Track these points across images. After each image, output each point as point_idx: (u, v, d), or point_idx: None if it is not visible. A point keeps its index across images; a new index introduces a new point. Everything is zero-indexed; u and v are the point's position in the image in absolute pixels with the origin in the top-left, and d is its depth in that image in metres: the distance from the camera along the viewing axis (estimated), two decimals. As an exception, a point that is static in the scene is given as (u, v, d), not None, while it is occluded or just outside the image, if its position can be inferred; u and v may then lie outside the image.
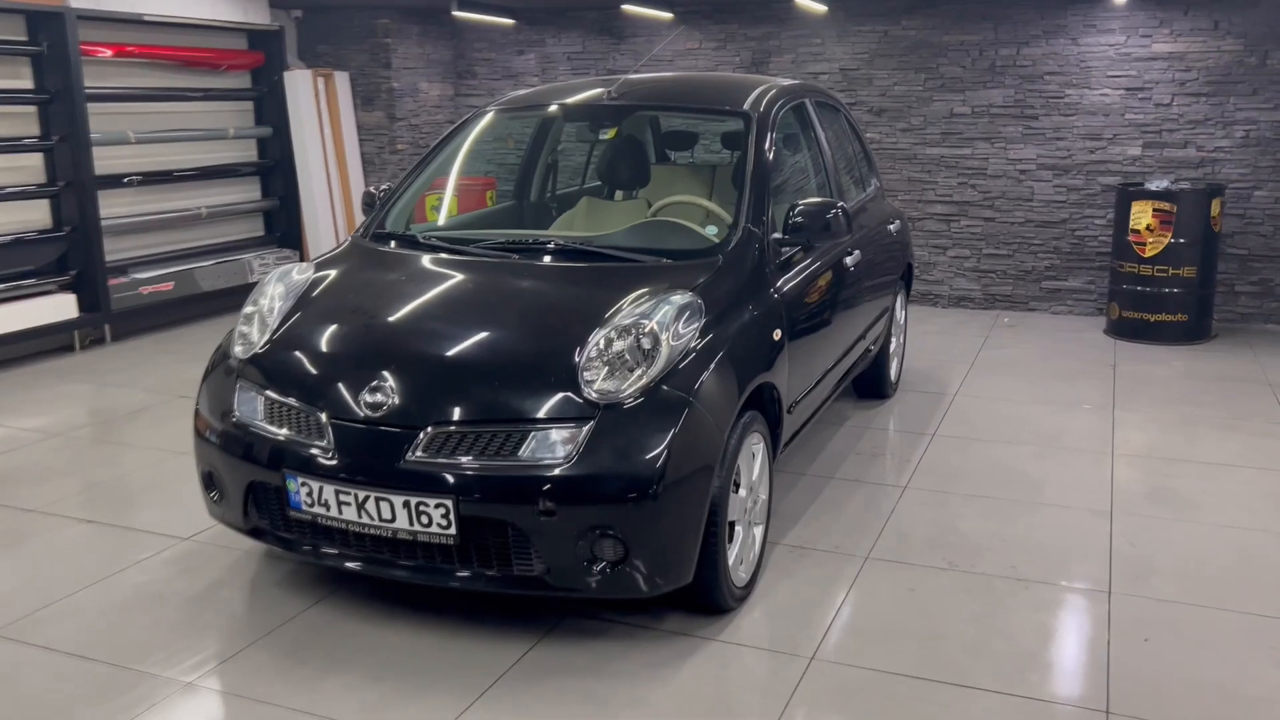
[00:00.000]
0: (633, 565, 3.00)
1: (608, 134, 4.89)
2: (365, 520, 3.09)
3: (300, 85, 8.46)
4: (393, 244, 4.06)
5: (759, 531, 3.61)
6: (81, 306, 6.94)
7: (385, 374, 3.18)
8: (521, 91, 4.97)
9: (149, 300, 7.37)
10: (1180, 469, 4.76)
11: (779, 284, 3.80)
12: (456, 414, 3.07)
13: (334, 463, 3.11)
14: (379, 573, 3.20)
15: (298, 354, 3.40)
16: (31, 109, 6.73)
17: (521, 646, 3.22)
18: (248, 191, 8.56)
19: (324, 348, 3.38)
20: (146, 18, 7.26)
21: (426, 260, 3.84)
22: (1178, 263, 6.92)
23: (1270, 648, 3.21)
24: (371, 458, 3.08)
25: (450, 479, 2.99)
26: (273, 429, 3.28)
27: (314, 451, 3.15)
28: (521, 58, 9.21)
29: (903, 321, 5.96)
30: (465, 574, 3.09)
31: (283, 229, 8.71)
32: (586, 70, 8.94)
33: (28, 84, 6.71)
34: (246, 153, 8.50)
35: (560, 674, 3.07)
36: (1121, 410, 5.61)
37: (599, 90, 4.55)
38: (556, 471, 2.95)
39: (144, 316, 7.41)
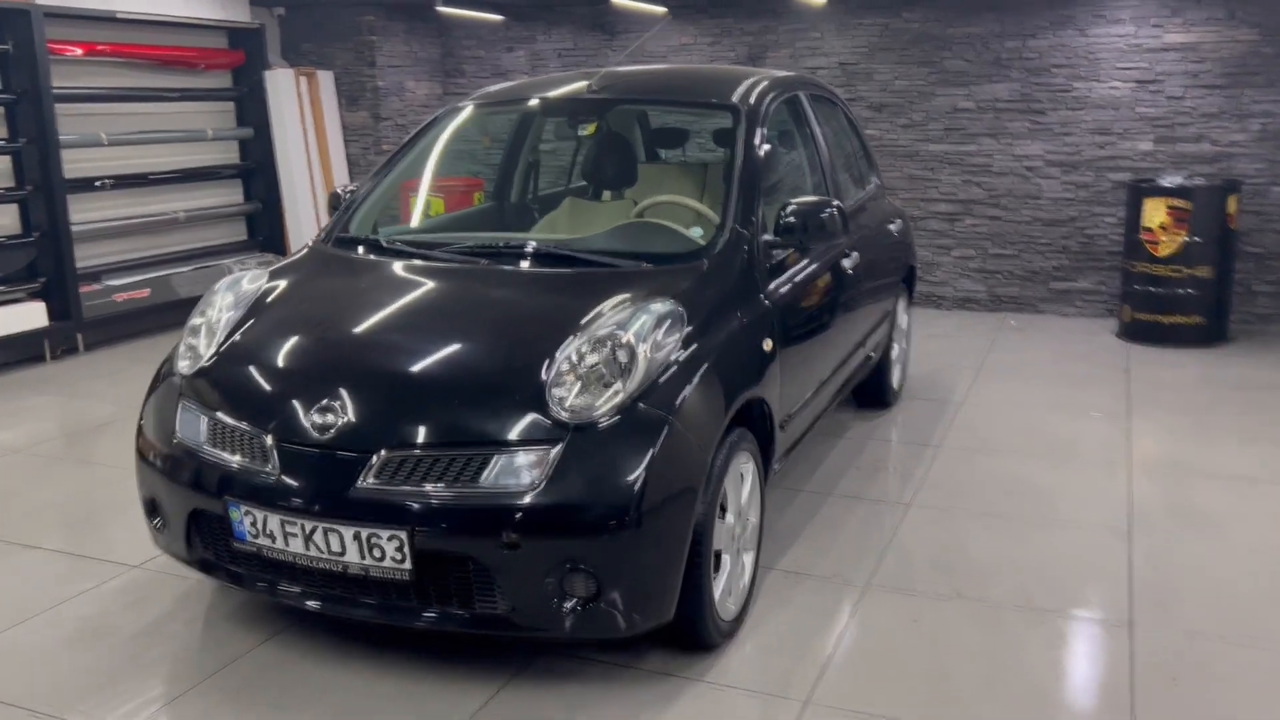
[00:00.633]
0: (608, 602, 2.72)
1: (587, 130, 4.61)
2: (313, 553, 2.82)
3: (282, 85, 8.18)
4: (359, 249, 3.78)
5: (749, 558, 3.33)
6: (51, 315, 6.67)
7: (336, 392, 2.90)
8: (497, 86, 4.68)
9: (124, 308, 7.10)
10: (1202, 482, 4.46)
11: (770, 289, 3.52)
12: (412, 436, 2.79)
13: (279, 490, 2.83)
14: (339, 612, 2.91)
15: (243, 370, 3.12)
16: (-3, 110, 6.47)
17: (489, 689, 2.94)
18: (229, 195, 8.28)
19: (271, 363, 3.10)
20: (120, 15, 6.99)
21: (389, 267, 3.56)
22: (1193, 262, 6.62)
23: (1311, 689, 2.93)
24: (319, 484, 2.80)
25: (404, 509, 2.71)
26: (216, 452, 3.00)
27: (258, 477, 2.87)
28: (511, 55, 8.94)
29: (905, 326, 5.67)
30: (431, 614, 2.81)
31: (265, 233, 8.43)
32: (578, 67, 8.66)
33: (-7, 84, 6.45)
34: (227, 155, 8.22)
35: (530, 721, 2.80)
36: (1137, 418, 5.31)
37: (580, 84, 4.27)
38: (521, 500, 2.67)
39: (119, 324, 7.14)
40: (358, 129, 8.83)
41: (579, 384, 2.82)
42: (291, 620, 3.32)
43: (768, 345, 3.37)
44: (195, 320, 3.39)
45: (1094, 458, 4.76)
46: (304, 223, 8.33)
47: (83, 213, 6.96)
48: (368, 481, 2.76)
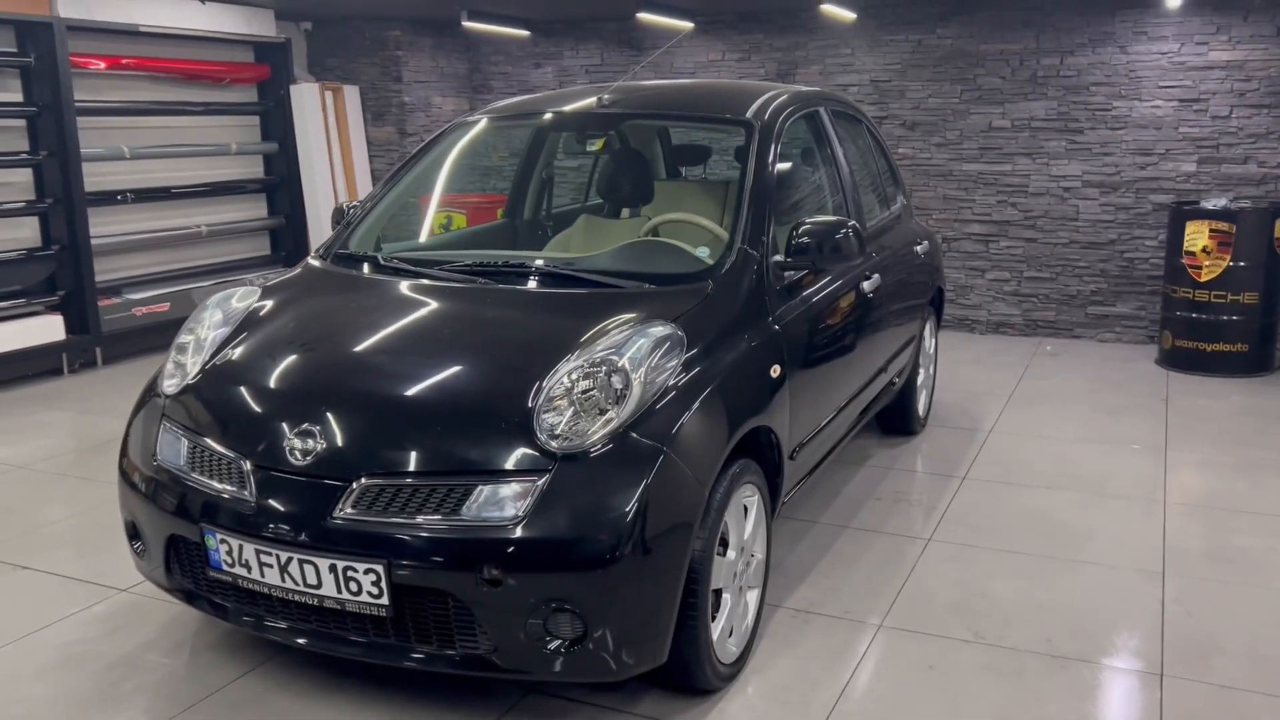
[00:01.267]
0: (596, 643, 2.55)
1: (595, 145, 4.47)
2: (289, 585, 2.68)
3: (307, 99, 8.15)
4: (357, 266, 3.66)
5: (753, 597, 3.15)
6: (69, 328, 6.65)
7: (318, 415, 2.77)
8: (508, 100, 4.56)
9: (143, 322, 7.06)
10: (1244, 522, 4.22)
11: (779, 312, 3.34)
12: (393, 463, 2.65)
13: (255, 517, 2.69)
14: (327, 649, 2.75)
15: (225, 390, 3.00)
16: (19, 123, 6.46)
17: (472, 731, 2.78)
18: (253, 209, 8.25)
19: (254, 383, 2.97)
20: (143, 29, 6.98)
21: (384, 285, 3.43)
22: (1237, 288, 6.35)
23: (1359, 754, 2.69)
24: (296, 513, 2.66)
25: (382, 539, 2.57)
26: (195, 475, 2.88)
27: (235, 504, 2.74)
28: (539, 71, 8.85)
29: (932, 351, 5.47)
30: (419, 655, 2.65)
31: (289, 247, 8.39)
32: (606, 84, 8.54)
33: (16, 97, 6.44)
34: (251, 169, 8.19)
35: (511, 769, 2.63)
36: (1175, 451, 5.06)
37: (592, 98, 4.14)
38: (503, 533, 2.51)
39: (137, 339, 7.10)
40: (383, 144, 8.77)
41: (571, 410, 2.67)
42: (276, 651, 3.19)
43: (775, 371, 3.19)
44: (183, 338, 3.29)
45: (1128, 493, 4.52)
46: (327, 238, 8.26)
47: (103, 226, 6.94)
48: (345, 510, 2.62)
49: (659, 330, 2.87)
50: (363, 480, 2.63)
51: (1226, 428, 5.47)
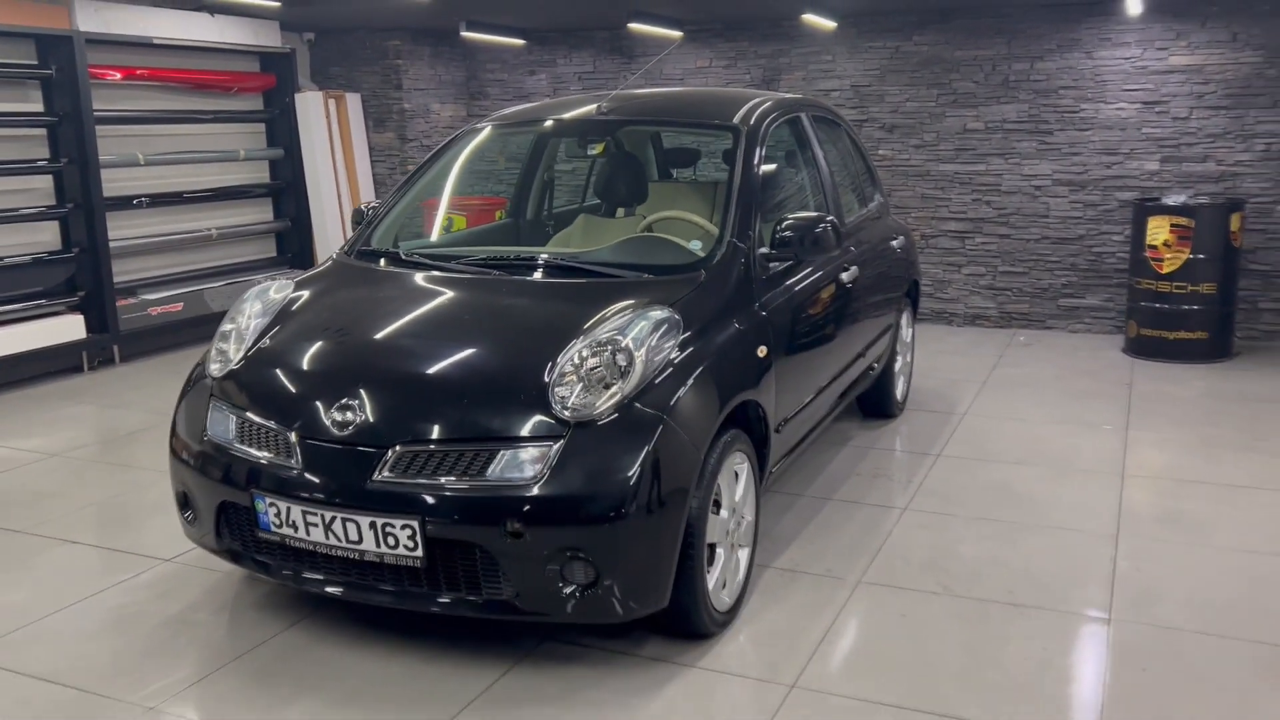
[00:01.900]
0: (605, 588, 2.91)
1: (595, 149, 4.82)
2: (332, 542, 3.02)
3: (311, 107, 8.49)
4: (380, 261, 4.00)
5: (744, 554, 3.50)
6: (89, 327, 6.97)
7: (355, 392, 3.11)
8: (513, 108, 4.91)
9: (158, 321, 7.39)
10: (1194, 490, 4.59)
11: (765, 299, 3.71)
12: (424, 433, 3.00)
13: (301, 482, 3.04)
14: (360, 598, 3.11)
15: (269, 372, 3.34)
16: (41, 131, 6.78)
17: (494, 672, 3.12)
18: (259, 213, 8.58)
19: (295, 365, 3.32)
20: (157, 41, 7.31)
21: (407, 278, 3.78)
22: (1196, 279, 6.75)
23: (1278, 678, 3.05)
24: (338, 477, 3.01)
25: (416, 499, 2.92)
26: (243, 448, 3.23)
27: (282, 471, 3.08)
28: (533, 78, 9.20)
29: (909, 339, 5.84)
30: (445, 600, 3.00)
31: (294, 250, 8.72)
32: (598, 91, 8.90)
33: (37, 107, 6.76)
34: (258, 174, 8.53)
35: (530, 702, 2.97)
36: (1136, 430, 5.44)
37: (590, 106, 4.49)
38: (524, 492, 2.86)
39: (153, 337, 7.42)
40: (384, 149, 9.11)
41: (581, 385, 3.02)
42: (312, 609, 3.52)
43: (762, 352, 3.55)
44: (226, 326, 3.62)
45: (1089, 468, 4.89)
46: (332, 240, 8.60)
47: (120, 230, 7.26)
48: (383, 474, 2.96)
49: (658, 314, 3.23)
50: (398, 448, 2.98)
51: (1185, 410, 5.86)
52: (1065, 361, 6.94)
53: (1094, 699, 2.96)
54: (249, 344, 3.48)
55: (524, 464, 2.91)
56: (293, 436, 3.11)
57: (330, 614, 3.49)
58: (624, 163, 4.82)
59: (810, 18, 7.50)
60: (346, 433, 3.04)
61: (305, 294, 3.71)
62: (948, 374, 6.61)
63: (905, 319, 5.65)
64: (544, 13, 7.92)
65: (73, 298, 6.94)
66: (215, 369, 3.49)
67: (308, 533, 3.05)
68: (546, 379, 3.03)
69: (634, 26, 7.74)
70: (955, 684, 3.05)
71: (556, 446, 2.92)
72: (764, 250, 3.80)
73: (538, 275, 3.70)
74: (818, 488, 4.65)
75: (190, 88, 7.80)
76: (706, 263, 3.63)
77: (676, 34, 8.18)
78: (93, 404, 6.30)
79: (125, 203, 7.26)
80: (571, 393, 3.00)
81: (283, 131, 8.51)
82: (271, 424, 3.18)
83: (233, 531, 3.30)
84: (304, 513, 3.03)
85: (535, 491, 2.86)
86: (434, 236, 4.83)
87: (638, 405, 3.00)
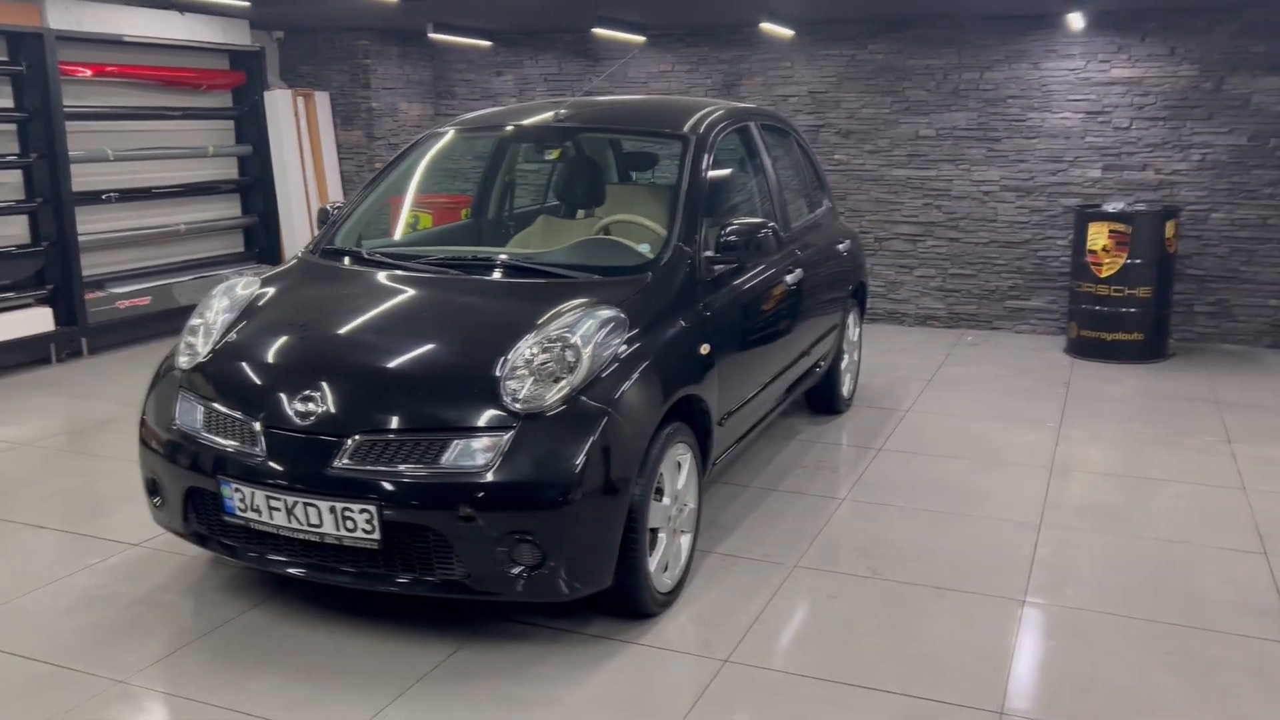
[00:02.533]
0: (551, 569, 3.11)
1: (552, 154, 5.03)
2: (294, 525, 3.21)
3: (280, 104, 8.62)
4: (343, 260, 4.18)
5: (686, 539, 3.72)
6: (58, 320, 7.08)
7: (316, 384, 3.30)
8: (475, 112, 5.10)
9: (126, 314, 7.51)
10: (1114, 483, 4.87)
11: (709, 299, 3.93)
12: (382, 422, 3.19)
13: (265, 469, 3.22)
14: (321, 579, 3.30)
15: (235, 365, 3.53)
16: (11, 127, 6.89)
17: (447, 649, 3.32)
18: (228, 208, 8.71)
19: (260, 359, 3.51)
20: (127, 38, 7.43)
21: (369, 276, 3.96)
22: (1133, 283, 7.05)
23: (1167, 653, 3.32)
24: (300, 464, 3.20)
25: (374, 485, 3.11)
26: (210, 436, 3.40)
27: (247, 458, 3.27)
28: (500, 79, 9.38)
29: (856, 338, 6.08)
30: (402, 580, 3.20)
31: (262, 245, 8.85)
32: (563, 91, 9.10)
33: (7, 103, 6.86)
34: (227, 170, 8.65)
35: (480, 675, 3.18)
36: (1069, 427, 5.72)
37: (549, 113, 4.69)
38: (476, 479, 3.07)
39: (121, 330, 7.54)
40: (352, 147, 9.26)
41: (531, 379, 3.22)
42: (275, 590, 3.71)
43: (705, 349, 3.77)
44: (194, 321, 3.80)
45: (1021, 462, 5.16)
46: (299, 236, 8.74)
47: (89, 224, 7.37)
48: (343, 462, 3.16)
49: (605, 313, 3.44)
50: (357, 437, 3.17)
51: (1116, 407, 6.14)
52: (1009, 361, 7.22)
53: (1001, 671, 3.21)
54: (216, 338, 3.66)
55: (476, 453, 3.11)
56: (257, 426, 3.29)
57: (292, 595, 3.68)
58: (583, 166, 5.02)
59: (768, 26, 7.73)
60: (308, 422, 3.23)
61: (271, 291, 3.89)
62: (896, 372, 6.87)
63: (852, 319, 5.89)
64: (510, 15, 8.10)
65: (41, 291, 7.05)
66: (184, 361, 3.66)
67: (271, 517, 3.23)
68: (499, 373, 3.24)
69: (598, 31, 7.94)
70: (877, 658, 3.29)
71: (507, 436, 3.12)
72: (709, 254, 4.02)
73: (493, 275, 3.90)
74: (763, 479, 4.88)
75: (160, 85, 7.92)
76: (654, 265, 3.84)
77: (639, 39, 8.39)
78: (61, 395, 6.43)
79: (94, 197, 7.37)
80: (522, 386, 3.21)
81: (251, 128, 8.64)
82: (237, 414, 3.36)
83: (200, 516, 3.47)
84: (268, 498, 3.22)
85: (487, 478, 3.07)
86: (398, 235, 5.02)
87: (584, 398, 3.21)
